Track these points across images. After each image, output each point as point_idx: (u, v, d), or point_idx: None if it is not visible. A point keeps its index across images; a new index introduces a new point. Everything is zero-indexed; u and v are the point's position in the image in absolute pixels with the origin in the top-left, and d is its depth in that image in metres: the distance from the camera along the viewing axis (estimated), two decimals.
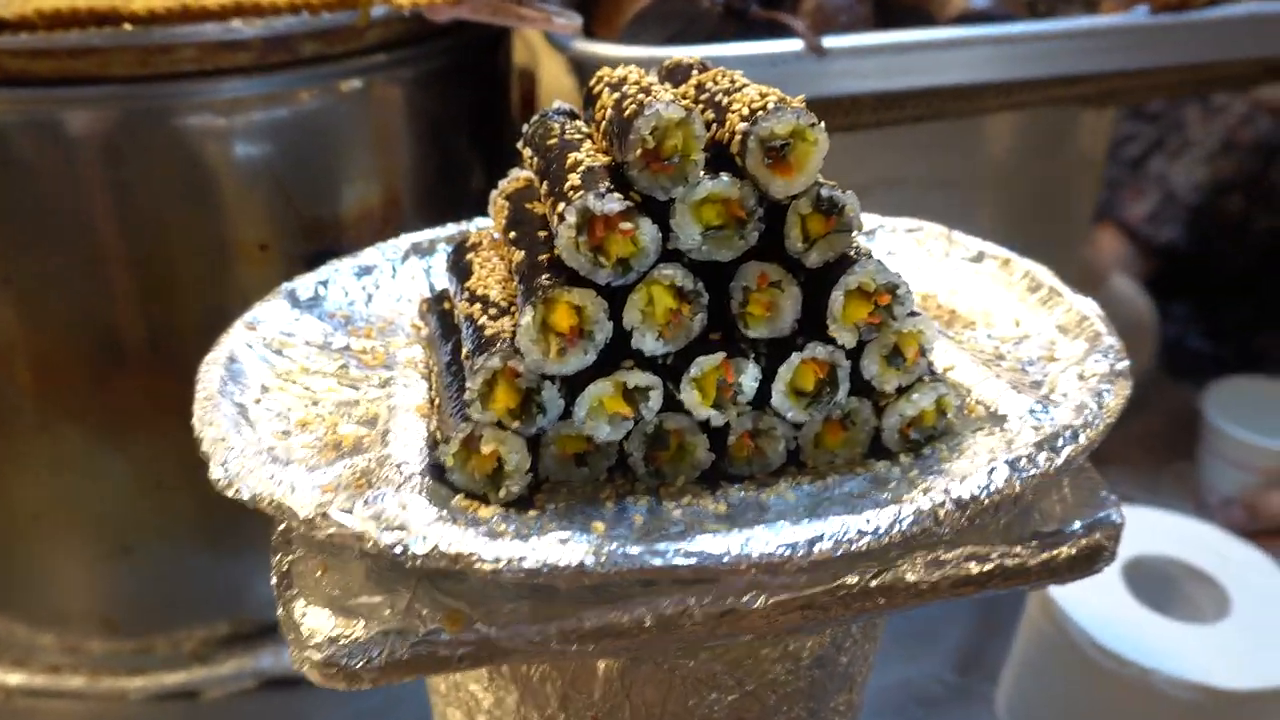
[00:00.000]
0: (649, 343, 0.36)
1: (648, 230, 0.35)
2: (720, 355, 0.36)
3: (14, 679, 0.72)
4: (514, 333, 0.36)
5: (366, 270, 0.50)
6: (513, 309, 0.39)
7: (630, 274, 0.35)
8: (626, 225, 0.34)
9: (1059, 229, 0.80)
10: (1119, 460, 1.02)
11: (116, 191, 0.60)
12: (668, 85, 0.42)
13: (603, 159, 0.37)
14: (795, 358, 0.37)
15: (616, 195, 0.34)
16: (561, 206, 0.35)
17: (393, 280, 0.50)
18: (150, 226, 0.62)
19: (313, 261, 0.65)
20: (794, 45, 0.61)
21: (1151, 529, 0.70)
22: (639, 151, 0.35)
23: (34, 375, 0.65)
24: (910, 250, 0.53)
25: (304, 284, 0.48)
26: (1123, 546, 0.72)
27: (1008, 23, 0.63)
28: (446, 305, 0.46)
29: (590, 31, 0.64)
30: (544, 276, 0.36)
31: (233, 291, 0.64)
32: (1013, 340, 0.46)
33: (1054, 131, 0.75)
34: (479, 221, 0.55)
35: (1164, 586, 0.68)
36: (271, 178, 0.63)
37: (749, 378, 0.37)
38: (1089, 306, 0.45)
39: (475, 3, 0.55)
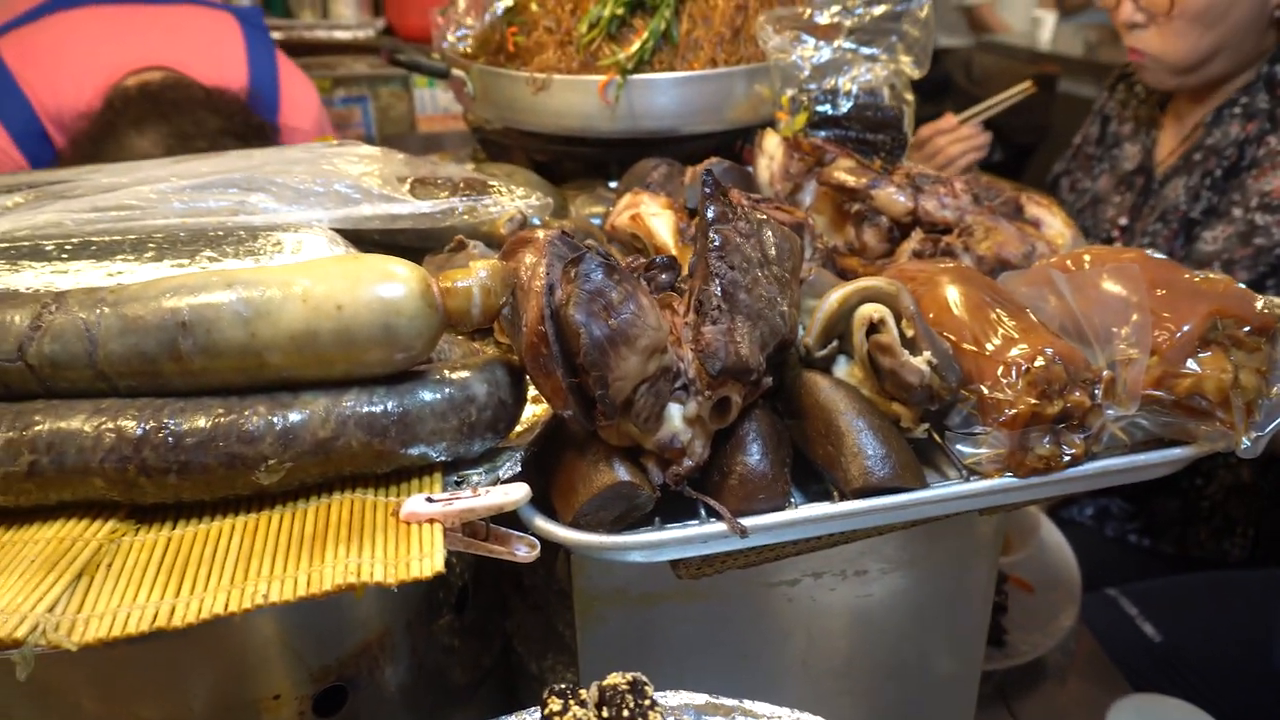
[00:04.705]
0: None
1: None
2: None
3: None
4: None
5: None
6: None
7: None
8: None
9: (962, 589, 0.92)
10: None
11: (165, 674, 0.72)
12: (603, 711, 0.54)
13: None
14: None
15: None
16: None
17: None
18: (181, 692, 0.73)
19: (319, 701, 0.78)
20: (721, 527, 0.73)
21: None
22: None
23: None
24: None
25: None
26: None
27: (900, 493, 0.75)
28: None
29: (551, 504, 0.76)
30: None
31: None
32: None
33: (952, 529, 0.87)
34: None
35: None
36: (287, 646, 0.74)
37: None
38: None
39: (451, 539, 0.67)
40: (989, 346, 0.79)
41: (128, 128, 1.39)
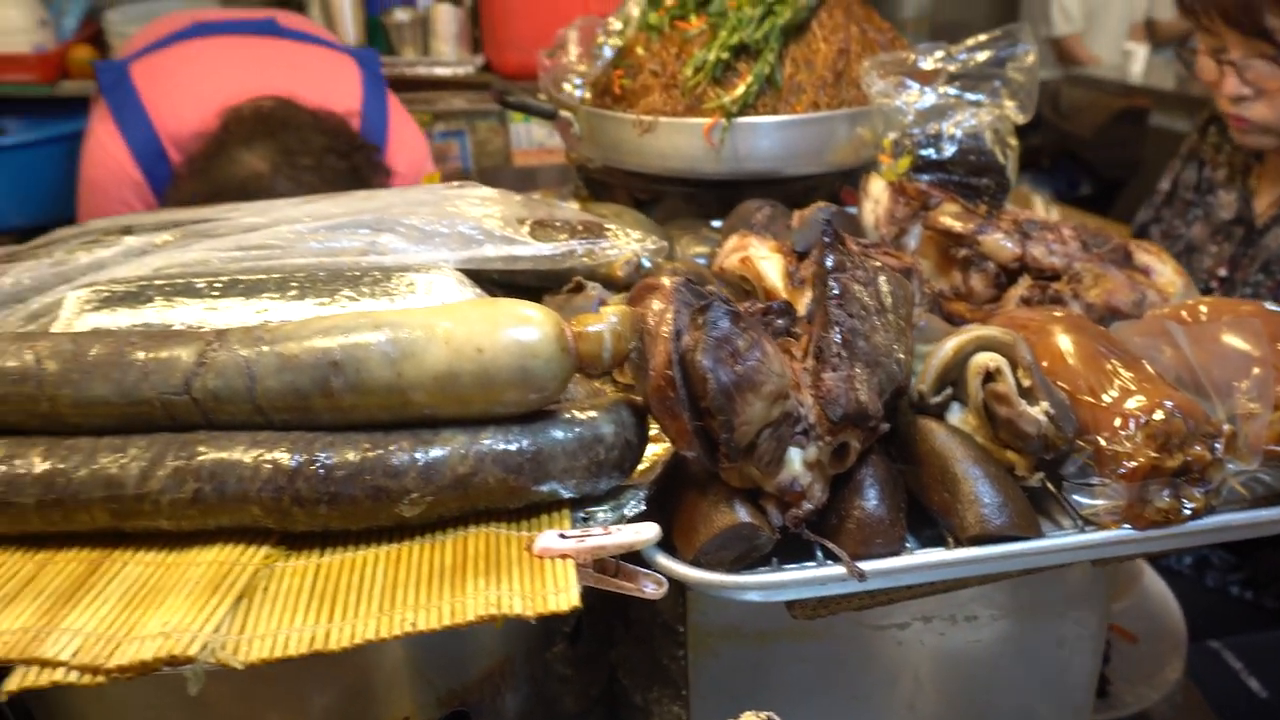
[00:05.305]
0: None
1: None
2: None
3: None
4: None
5: None
6: None
7: None
8: None
9: (1071, 638, 0.92)
10: None
11: (303, 690, 0.75)
12: None
13: None
14: None
15: None
16: None
17: None
18: (316, 709, 0.76)
19: None
20: (839, 570, 0.75)
21: None
22: None
23: None
24: None
25: None
26: None
27: (1016, 542, 0.76)
28: None
29: (672, 542, 0.78)
30: None
31: None
32: None
33: (1063, 577, 0.87)
34: None
35: None
36: (417, 671, 0.78)
37: None
38: None
39: (583, 574, 0.70)
40: (1105, 398, 0.80)
41: (238, 145, 1.46)
